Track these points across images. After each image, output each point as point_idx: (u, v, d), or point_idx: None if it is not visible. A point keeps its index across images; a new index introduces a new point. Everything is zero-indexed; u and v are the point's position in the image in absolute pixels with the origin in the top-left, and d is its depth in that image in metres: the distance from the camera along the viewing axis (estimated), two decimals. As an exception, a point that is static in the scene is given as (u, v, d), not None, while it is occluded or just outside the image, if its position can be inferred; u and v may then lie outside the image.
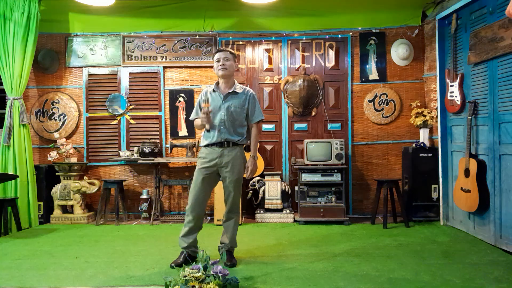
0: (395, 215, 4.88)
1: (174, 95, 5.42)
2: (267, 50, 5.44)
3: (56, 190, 5.09)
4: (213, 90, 3.30)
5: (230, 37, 5.41)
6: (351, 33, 5.36)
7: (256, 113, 3.33)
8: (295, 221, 4.93)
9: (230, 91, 3.26)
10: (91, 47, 5.40)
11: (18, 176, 4.67)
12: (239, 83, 3.39)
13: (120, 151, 5.29)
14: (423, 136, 5.04)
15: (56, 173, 5.13)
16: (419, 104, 5.19)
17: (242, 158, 3.31)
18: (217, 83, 3.33)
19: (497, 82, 3.75)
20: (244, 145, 3.37)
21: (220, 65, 3.20)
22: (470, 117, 4.04)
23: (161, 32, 5.40)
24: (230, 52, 3.27)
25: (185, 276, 2.50)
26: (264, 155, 5.34)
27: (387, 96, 5.31)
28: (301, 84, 5.22)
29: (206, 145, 3.28)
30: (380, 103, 5.31)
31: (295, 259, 3.43)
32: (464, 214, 4.33)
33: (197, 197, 3.23)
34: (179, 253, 3.30)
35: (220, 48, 3.33)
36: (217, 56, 3.25)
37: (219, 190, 3.36)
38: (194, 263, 2.72)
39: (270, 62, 5.43)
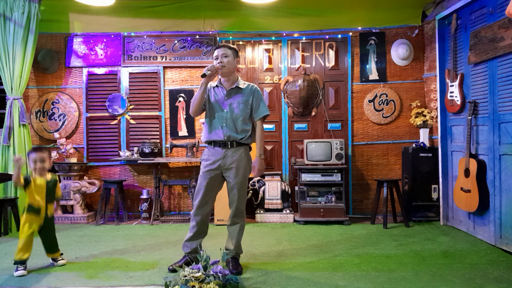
0: (395, 215, 4.88)
1: (174, 95, 5.42)
2: (267, 50, 5.44)
3: (56, 190, 5.08)
4: (216, 86, 3.19)
5: (230, 37, 5.41)
6: (351, 33, 5.36)
7: (261, 108, 3.16)
8: (295, 221, 4.93)
9: (233, 86, 3.14)
10: (91, 47, 5.40)
11: (18, 176, 4.67)
12: (247, 82, 3.29)
13: (120, 151, 5.29)
14: (423, 136, 5.04)
15: (56, 173, 5.13)
16: (419, 104, 5.19)
17: (247, 159, 3.16)
18: (220, 79, 3.21)
19: (497, 82, 3.75)
20: (249, 144, 3.22)
21: (218, 62, 3.07)
22: (470, 117, 4.04)
23: (161, 32, 5.40)
24: (229, 48, 3.11)
25: (185, 276, 2.50)
26: (264, 155, 5.33)
27: (387, 96, 5.31)
28: (301, 84, 5.22)
29: (208, 143, 3.15)
30: (380, 103, 5.31)
31: (295, 259, 3.43)
32: (464, 214, 4.33)
33: (201, 202, 3.13)
34: (179, 253, 3.29)
35: (219, 44, 3.17)
36: (215, 53, 3.12)
37: (221, 190, 3.30)
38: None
39: (270, 62, 5.43)
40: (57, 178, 3.41)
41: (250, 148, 3.27)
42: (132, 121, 5.43)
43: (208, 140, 3.16)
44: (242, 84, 3.18)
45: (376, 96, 5.32)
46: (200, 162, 3.24)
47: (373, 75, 5.35)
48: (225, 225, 3.35)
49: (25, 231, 3.16)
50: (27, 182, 3.14)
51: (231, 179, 3.12)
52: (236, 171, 3.10)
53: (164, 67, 5.41)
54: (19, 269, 3.10)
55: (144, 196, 5.18)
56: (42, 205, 3.20)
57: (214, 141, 3.13)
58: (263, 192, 5.04)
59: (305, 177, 4.92)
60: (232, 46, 3.18)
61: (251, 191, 5.13)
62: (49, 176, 3.29)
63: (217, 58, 3.10)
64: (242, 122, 3.12)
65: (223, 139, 3.09)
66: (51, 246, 3.31)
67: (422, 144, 4.95)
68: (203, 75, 2.97)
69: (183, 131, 5.43)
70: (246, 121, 3.15)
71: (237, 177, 3.10)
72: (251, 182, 5.15)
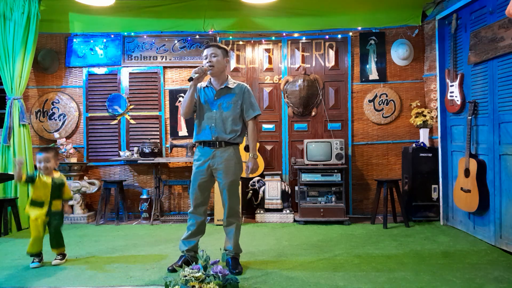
0: (395, 215, 4.88)
1: (174, 95, 5.42)
2: (267, 50, 5.44)
3: (56, 190, 5.08)
4: (206, 86, 3.18)
5: (230, 37, 5.41)
6: (351, 33, 5.36)
7: (252, 108, 3.14)
8: (295, 221, 4.93)
9: (222, 86, 3.13)
10: (91, 47, 5.40)
11: (18, 176, 4.67)
12: (237, 81, 3.29)
13: (120, 151, 5.30)
14: (423, 136, 5.04)
15: (56, 173, 5.13)
16: (419, 104, 5.19)
17: (237, 158, 3.14)
18: (210, 79, 3.20)
19: (497, 82, 3.75)
20: (239, 144, 3.20)
21: (207, 62, 3.06)
22: (470, 117, 4.04)
23: (161, 32, 5.40)
24: (219, 47, 3.08)
25: (185, 276, 2.50)
26: (264, 155, 5.34)
27: (387, 96, 5.31)
28: (301, 84, 5.22)
29: (199, 143, 3.16)
30: (380, 103, 5.32)
31: (295, 259, 3.43)
32: (464, 214, 4.33)
33: (197, 202, 3.16)
34: (179, 253, 3.28)
35: (208, 44, 3.16)
36: (204, 52, 3.10)
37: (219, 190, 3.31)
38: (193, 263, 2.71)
39: (270, 62, 5.43)
40: (65, 180, 3.49)
41: (246, 149, 3.25)
42: (132, 121, 5.43)
43: (197, 140, 3.18)
44: (232, 83, 3.17)
45: (376, 96, 5.32)
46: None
47: (373, 75, 5.35)
48: (225, 225, 3.36)
49: (31, 220, 3.33)
50: (32, 179, 3.31)
51: (220, 179, 3.12)
52: (225, 170, 3.09)
53: (164, 67, 5.41)
54: (34, 261, 3.29)
55: (144, 196, 5.18)
56: (46, 200, 3.34)
57: (204, 141, 3.14)
58: (263, 192, 5.03)
59: (305, 177, 4.92)
60: (221, 45, 3.17)
61: (251, 191, 5.13)
62: (56, 175, 3.40)
63: (206, 58, 3.09)
64: (232, 122, 3.11)
65: (211, 139, 3.09)
66: (54, 241, 3.42)
67: (422, 144, 4.95)
68: (190, 79, 2.99)
69: (183, 131, 5.43)
70: (236, 121, 3.13)
71: (227, 177, 3.10)
72: (251, 182, 5.15)
